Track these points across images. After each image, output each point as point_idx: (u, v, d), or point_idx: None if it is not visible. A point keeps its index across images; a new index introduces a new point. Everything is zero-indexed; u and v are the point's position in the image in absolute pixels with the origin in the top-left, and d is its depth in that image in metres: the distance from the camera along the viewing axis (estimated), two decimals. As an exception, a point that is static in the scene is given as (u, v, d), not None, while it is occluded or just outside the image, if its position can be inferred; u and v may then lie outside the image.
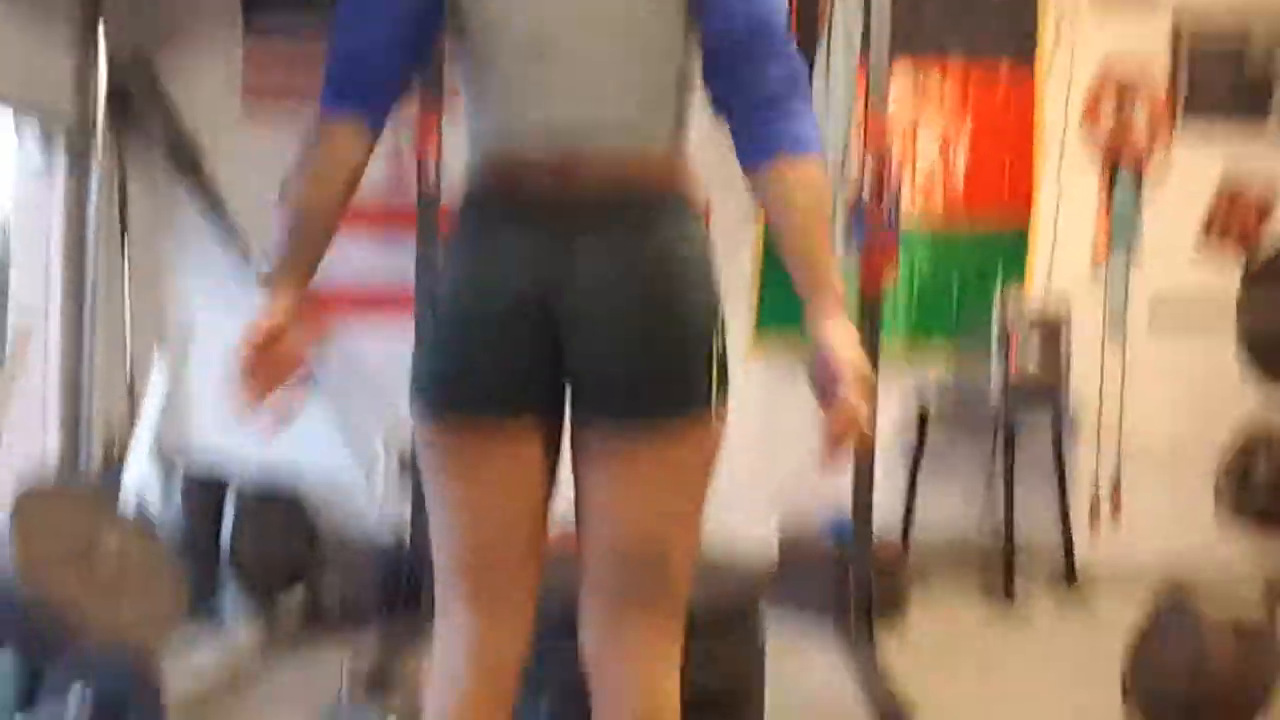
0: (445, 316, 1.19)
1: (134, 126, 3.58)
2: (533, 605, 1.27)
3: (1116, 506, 3.80)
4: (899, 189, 2.79)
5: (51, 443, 3.28)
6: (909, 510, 3.71)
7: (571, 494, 1.26)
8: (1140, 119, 3.80)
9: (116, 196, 3.57)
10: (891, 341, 3.66)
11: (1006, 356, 3.40)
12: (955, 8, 3.77)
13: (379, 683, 2.24)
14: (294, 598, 3.00)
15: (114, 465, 3.18)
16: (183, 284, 3.66)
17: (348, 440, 3.55)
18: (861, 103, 3.05)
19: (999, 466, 3.58)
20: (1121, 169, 3.77)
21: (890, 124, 2.84)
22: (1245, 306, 3.79)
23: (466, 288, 1.18)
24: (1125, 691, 2.29)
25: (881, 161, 2.76)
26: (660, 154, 1.20)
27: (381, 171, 3.36)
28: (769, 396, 3.75)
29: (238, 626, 2.89)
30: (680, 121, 1.22)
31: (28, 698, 2.01)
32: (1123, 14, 3.79)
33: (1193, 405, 3.80)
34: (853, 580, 2.95)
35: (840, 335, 1.15)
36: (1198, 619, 2.16)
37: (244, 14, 3.67)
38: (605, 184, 1.16)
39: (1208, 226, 3.83)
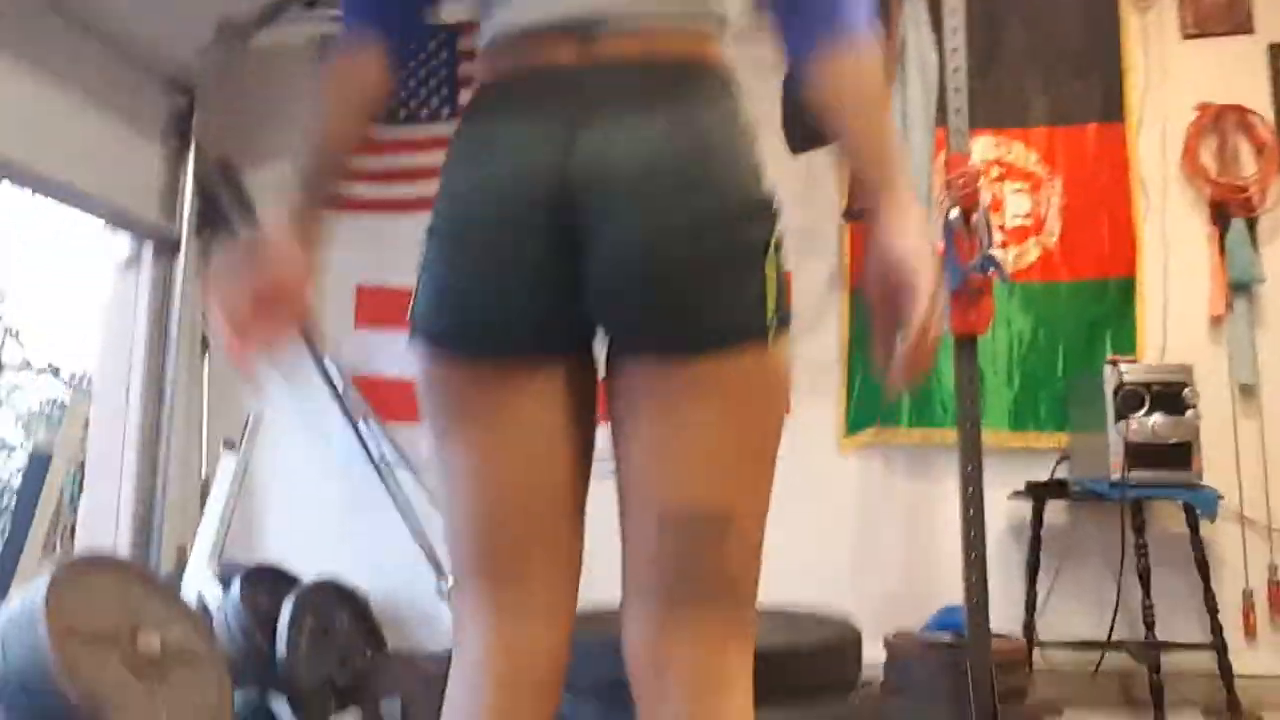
0: (441, 232, 1.01)
1: (219, 231, 3.67)
2: (569, 602, 1.04)
3: (1277, 606, 3.33)
4: (987, 227, 2.57)
5: (123, 540, 3.22)
6: (1030, 607, 3.32)
7: None
8: (1245, 158, 3.54)
9: (200, 299, 3.63)
10: (996, 415, 3.39)
11: (1124, 425, 3.06)
12: (1034, 77, 3.65)
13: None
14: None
15: (184, 567, 3.07)
16: (256, 388, 3.63)
17: (420, 551, 3.40)
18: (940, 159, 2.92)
19: (1128, 557, 3.18)
20: (1232, 215, 3.48)
21: (974, 172, 2.66)
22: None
23: (465, 194, 1.00)
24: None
25: (967, 197, 2.56)
26: (697, 28, 1.02)
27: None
28: (863, 491, 3.50)
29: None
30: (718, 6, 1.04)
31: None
32: (1216, 49, 3.59)
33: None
34: (971, 677, 2.58)
35: (908, 237, 0.95)
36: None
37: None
38: (631, 54, 0.98)
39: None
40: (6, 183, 3.06)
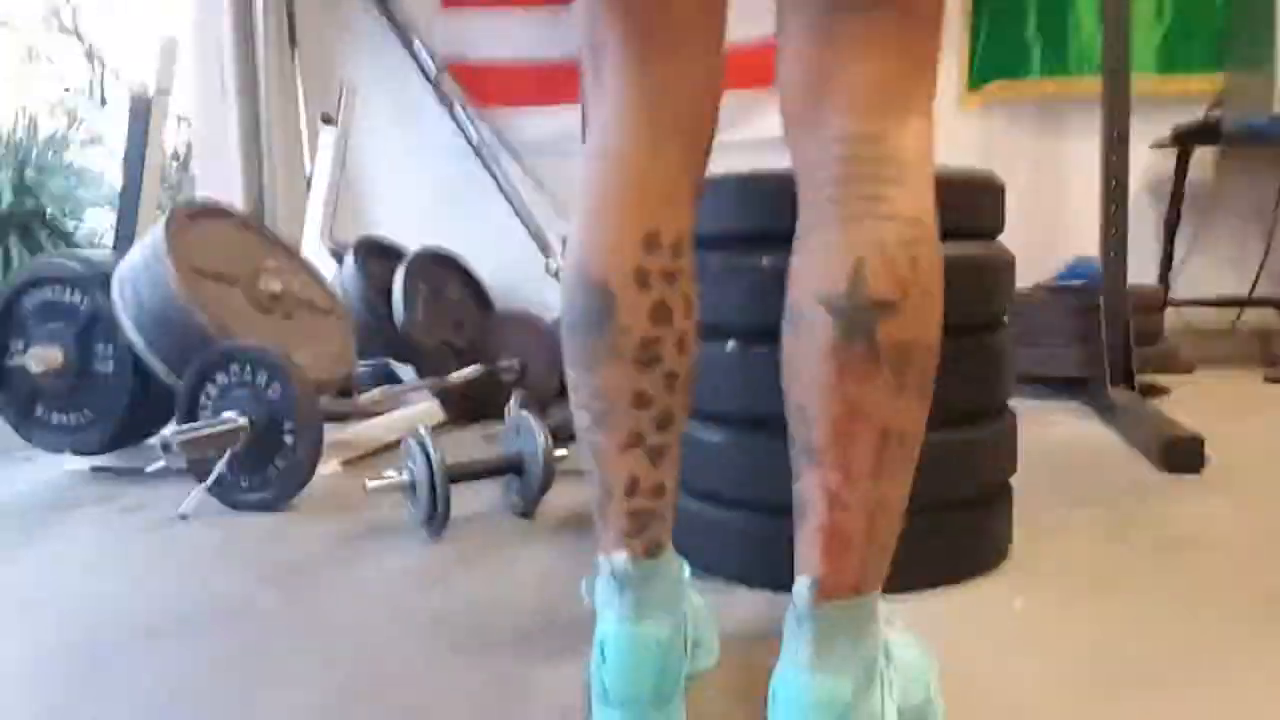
0: None
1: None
2: (718, 34, 0.91)
3: None
4: None
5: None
6: (1168, 261, 3.13)
7: None
8: None
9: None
10: (1143, 57, 3.05)
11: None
12: None
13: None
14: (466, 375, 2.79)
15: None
16: (348, 68, 3.53)
17: (525, 229, 3.35)
18: None
19: (1284, 203, 2.94)
20: None
21: None
22: None
23: None
24: None
25: None
26: None
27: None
28: (985, 150, 3.26)
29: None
30: None
31: (189, 412, 1.91)
32: None
33: None
34: (1104, 316, 2.46)
35: None
36: None
37: None
38: None
39: None
40: None
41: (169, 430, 1.80)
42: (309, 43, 3.53)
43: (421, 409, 2.66)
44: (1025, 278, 2.86)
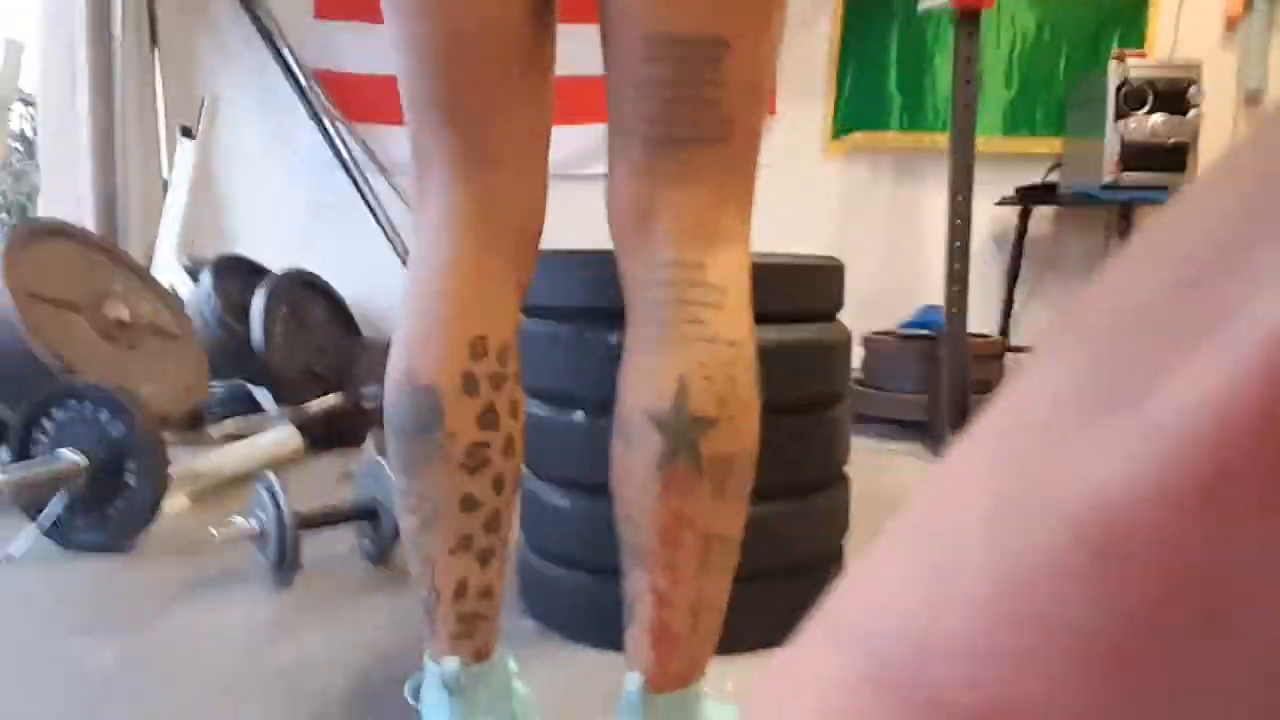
0: None
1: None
2: (541, 148, 0.94)
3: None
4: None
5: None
6: (1008, 309, 3.34)
7: None
8: None
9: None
10: (990, 119, 3.26)
11: (1124, 124, 2.95)
12: None
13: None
14: (327, 403, 2.75)
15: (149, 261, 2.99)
16: (210, 75, 3.41)
17: (390, 246, 3.31)
18: None
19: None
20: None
21: None
22: None
23: None
24: None
25: None
26: None
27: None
28: (845, 196, 3.42)
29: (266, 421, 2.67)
30: None
31: (22, 448, 1.82)
32: None
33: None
34: (947, 364, 2.61)
35: None
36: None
37: None
38: None
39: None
40: None
41: (-2, 468, 1.72)
42: (171, 45, 3.40)
43: (277, 437, 2.61)
44: (879, 321, 3.04)
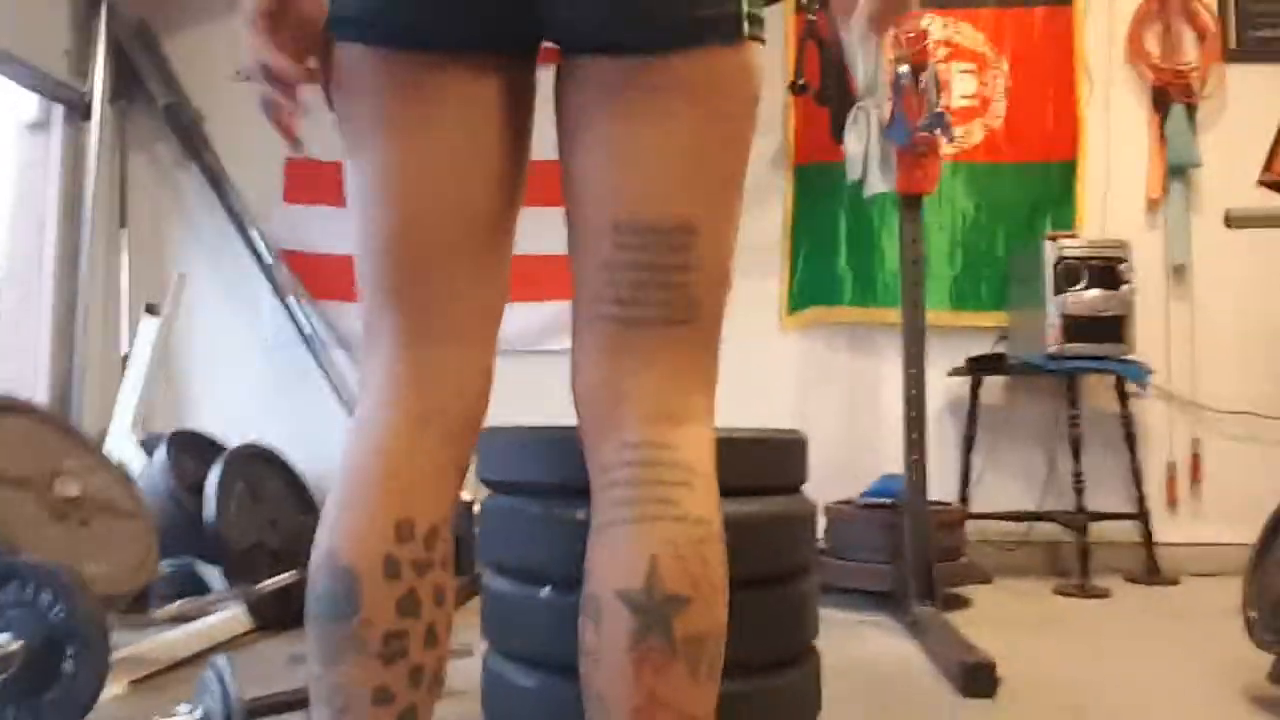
0: None
1: (134, 93, 3.48)
2: (488, 333, 0.95)
3: (1197, 477, 3.44)
4: (935, 85, 2.54)
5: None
6: (965, 477, 3.38)
7: None
8: (1188, 45, 3.56)
9: (116, 162, 3.45)
10: (938, 295, 3.40)
11: (1062, 299, 3.09)
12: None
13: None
14: (279, 581, 2.67)
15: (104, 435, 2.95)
16: (178, 254, 3.49)
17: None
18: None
19: (1062, 428, 3.25)
20: (1173, 100, 3.51)
21: (923, 30, 2.62)
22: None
23: None
24: (1248, 622, 1.94)
25: (917, 54, 2.52)
26: None
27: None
28: (804, 369, 3.51)
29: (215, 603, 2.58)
30: None
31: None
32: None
33: (1271, 361, 3.46)
34: (909, 535, 2.62)
35: None
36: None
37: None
38: None
39: (1269, 163, 3.53)
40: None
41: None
42: (140, 224, 3.48)
43: (227, 618, 2.51)
44: (839, 490, 3.06)
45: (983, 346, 3.41)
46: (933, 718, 1.87)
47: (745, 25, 0.88)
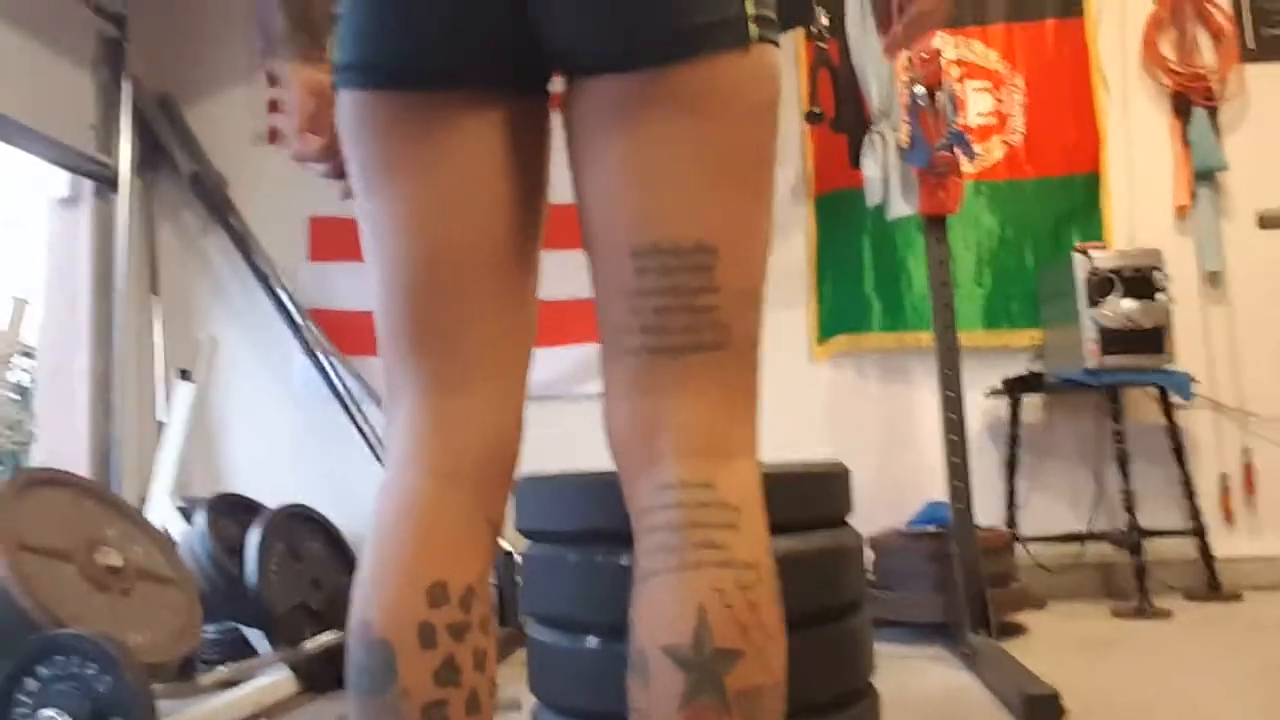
0: None
1: (159, 163, 3.54)
2: (517, 378, 0.91)
3: (1252, 489, 3.35)
4: (952, 103, 2.53)
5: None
6: (1011, 500, 3.31)
7: None
8: (1205, 48, 3.53)
9: (145, 232, 3.51)
10: (969, 316, 3.35)
11: (1097, 311, 3.04)
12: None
13: None
14: (323, 641, 2.65)
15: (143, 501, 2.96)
16: (209, 318, 3.52)
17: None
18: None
19: (1107, 445, 3.18)
20: (1194, 104, 3.47)
21: (935, 49, 2.61)
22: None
23: None
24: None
25: (931, 74, 2.51)
26: None
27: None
28: (836, 398, 3.46)
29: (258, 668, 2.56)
30: None
31: (2, 711, 1.73)
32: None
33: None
34: (959, 563, 2.56)
35: None
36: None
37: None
38: None
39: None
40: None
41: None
42: (171, 292, 3.52)
43: (271, 681, 2.49)
44: (882, 520, 3.00)
45: (1017, 365, 3.36)
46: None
47: (752, 28, 0.84)
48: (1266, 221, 2.43)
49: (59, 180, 3.39)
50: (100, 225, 3.40)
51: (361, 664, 0.81)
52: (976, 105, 3.53)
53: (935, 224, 2.60)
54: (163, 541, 2.31)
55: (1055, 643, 2.64)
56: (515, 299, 0.91)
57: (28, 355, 4.89)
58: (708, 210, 0.84)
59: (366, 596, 0.83)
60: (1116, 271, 3.08)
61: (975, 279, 3.45)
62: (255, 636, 2.68)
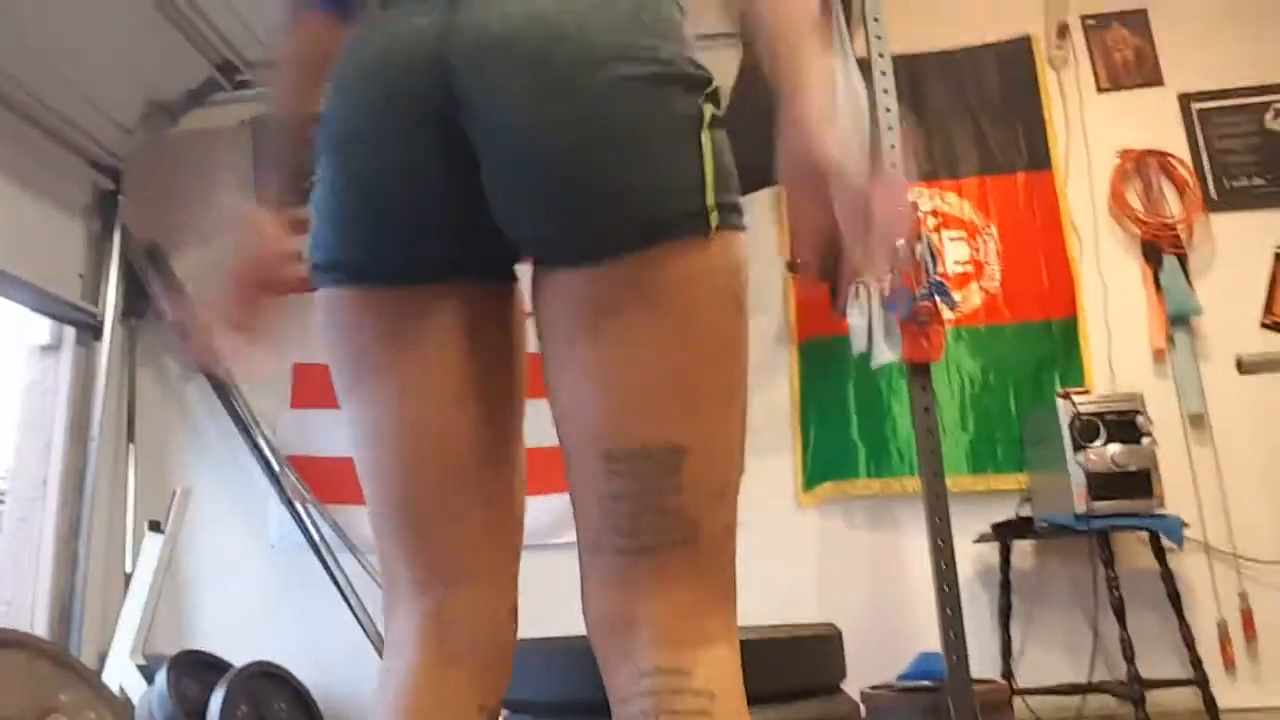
0: (327, 145, 0.89)
1: (143, 309, 3.55)
2: (508, 562, 0.92)
3: (1251, 636, 3.26)
4: (931, 254, 2.57)
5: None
6: (1006, 654, 3.20)
7: None
8: (1170, 199, 3.65)
9: (125, 379, 3.48)
10: (955, 460, 3.33)
11: (1083, 455, 3.02)
12: (960, 131, 3.75)
13: None
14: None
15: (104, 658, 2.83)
16: (185, 467, 3.46)
17: (363, 634, 3.17)
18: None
19: (1101, 591, 3.11)
20: (1164, 251, 3.56)
21: (912, 201, 2.68)
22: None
23: (344, 105, 0.88)
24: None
25: (911, 225, 2.56)
26: None
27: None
28: (824, 547, 3.40)
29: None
30: None
31: None
32: (1130, 100, 3.74)
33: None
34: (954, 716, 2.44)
35: (812, 125, 0.83)
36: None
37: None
38: None
39: (1270, 306, 3.55)
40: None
41: None
42: (147, 440, 3.47)
43: None
44: (872, 673, 2.89)
45: (1005, 510, 3.31)
46: None
47: (713, 216, 0.84)
48: (1245, 367, 2.45)
49: (40, 327, 3.39)
50: (80, 372, 3.38)
51: None
52: (953, 254, 3.61)
53: (919, 372, 2.60)
54: (118, 707, 2.20)
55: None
56: (501, 486, 0.93)
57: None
58: (676, 410, 0.85)
59: None
60: (1100, 415, 3.08)
61: (960, 423, 3.44)
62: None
